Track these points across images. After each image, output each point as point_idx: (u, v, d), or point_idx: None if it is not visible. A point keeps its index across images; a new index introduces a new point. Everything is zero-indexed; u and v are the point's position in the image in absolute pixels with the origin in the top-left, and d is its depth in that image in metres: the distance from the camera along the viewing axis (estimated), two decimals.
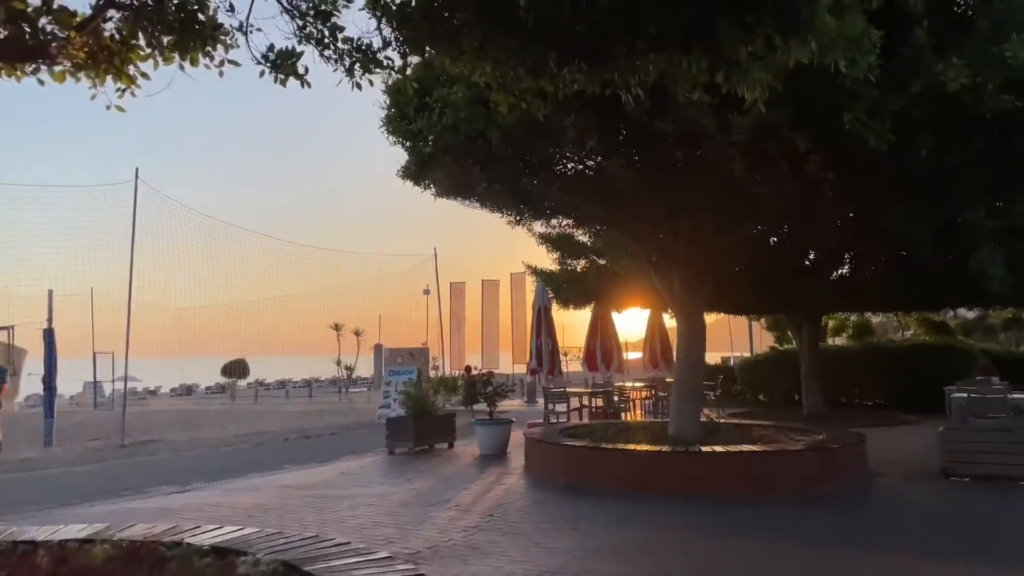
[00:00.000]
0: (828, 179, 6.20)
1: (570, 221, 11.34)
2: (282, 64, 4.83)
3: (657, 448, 8.86)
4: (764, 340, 32.96)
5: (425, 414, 13.28)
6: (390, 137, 9.18)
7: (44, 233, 22.48)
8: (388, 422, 13.41)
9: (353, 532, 6.99)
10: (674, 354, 22.13)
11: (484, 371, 13.58)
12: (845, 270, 16.16)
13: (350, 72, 4.87)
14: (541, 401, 19.70)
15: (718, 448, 8.76)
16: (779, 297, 15.71)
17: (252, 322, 31.93)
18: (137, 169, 16.95)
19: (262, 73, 4.79)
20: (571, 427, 11.54)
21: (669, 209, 8.91)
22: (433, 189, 10.39)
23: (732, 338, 41.04)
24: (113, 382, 34.74)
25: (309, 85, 4.93)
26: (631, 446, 9.11)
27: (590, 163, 8.89)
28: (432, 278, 30.01)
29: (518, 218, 10.55)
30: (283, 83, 4.88)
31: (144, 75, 4.84)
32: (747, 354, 31.07)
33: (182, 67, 4.85)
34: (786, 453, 8.75)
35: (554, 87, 4.87)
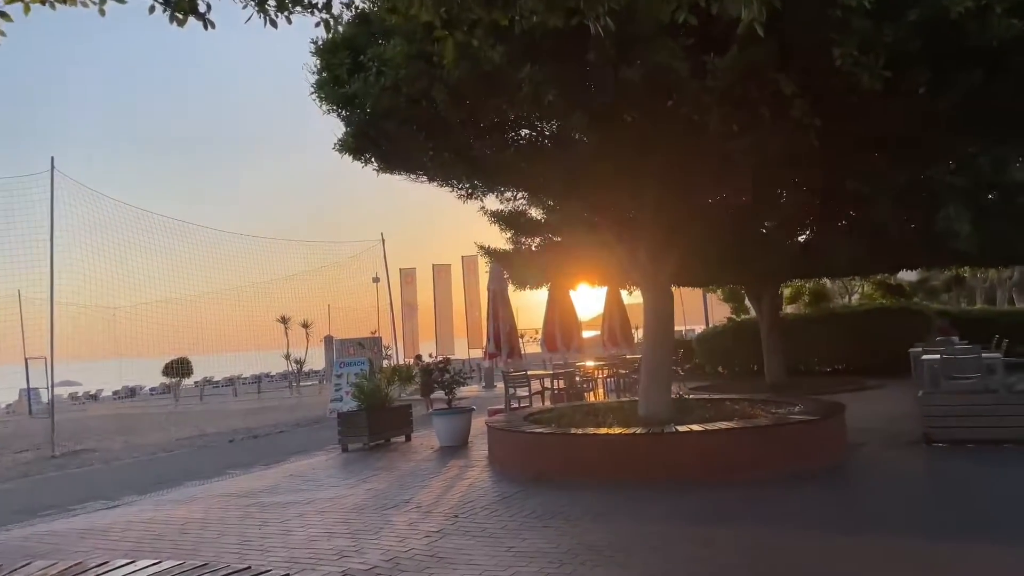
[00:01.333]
0: (815, 125, 5.58)
1: (525, 194, 10.59)
2: None
3: (630, 431, 8.23)
4: (718, 312, 32.84)
5: (379, 407, 12.47)
6: (323, 105, 8.29)
7: None
8: (340, 417, 12.57)
9: (301, 547, 6.20)
10: (633, 331, 21.73)
11: (440, 357, 12.80)
12: (804, 236, 15.78)
13: (261, 7, 4.03)
14: (500, 386, 19.04)
15: (695, 427, 8.17)
16: (738, 267, 15.28)
17: (194, 319, 30.49)
18: (52, 158, 15.63)
19: (152, 9, 3.92)
20: (535, 412, 10.87)
21: (633, 174, 8.24)
22: (375, 163, 9.54)
23: (684, 312, 40.71)
24: (50, 388, 33.01)
25: (212, 26, 4.08)
26: (602, 430, 8.47)
27: (547, 128, 8.14)
28: (380, 264, 29.02)
29: (469, 191, 9.76)
30: (180, 23, 4.02)
31: (6, 17, 3.93)
32: (701, 327, 30.85)
33: (53, 6, 3.96)
34: (768, 429, 8.20)
35: (508, 19, 4.11)
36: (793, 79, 5.31)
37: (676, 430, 8.12)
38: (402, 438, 12.78)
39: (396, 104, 7.14)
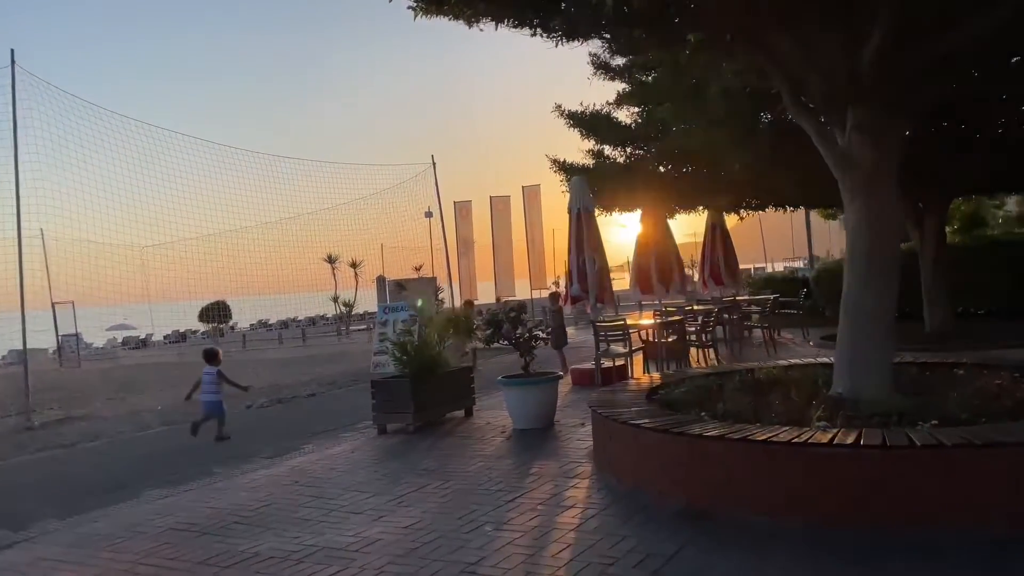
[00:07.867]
0: None
1: (643, 37, 6.70)
2: None
3: (876, 441, 4.48)
4: (820, 243, 28.37)
5: (428, 372, 8.99)
6: None
7: None
8: (375, 387, 9.10)
9: None
10: (741, 266, 17.73)
11: (508, 301, 9.17)
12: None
13: None
14: (571, 331, 15.47)
15: (976, 439, 4.37)
16: (919, 173, 11.11)
17: (231, 257, 27.18)
18: (13, 51, 12.26)
19: None
20: (657, 386, 7.17)
21: None
22: None
23: (793, 241, 35.17)
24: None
25: None
26: (818, 436, 4.74)
27: None
28: (432, 194, 25.34)
29: (560, 30, 5.97)
30: None
31: None
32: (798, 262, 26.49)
33: None
34: None
35: None
36: None
37: (942, 443, 4.34)
38: (460, 412, 9.35)
39: None
